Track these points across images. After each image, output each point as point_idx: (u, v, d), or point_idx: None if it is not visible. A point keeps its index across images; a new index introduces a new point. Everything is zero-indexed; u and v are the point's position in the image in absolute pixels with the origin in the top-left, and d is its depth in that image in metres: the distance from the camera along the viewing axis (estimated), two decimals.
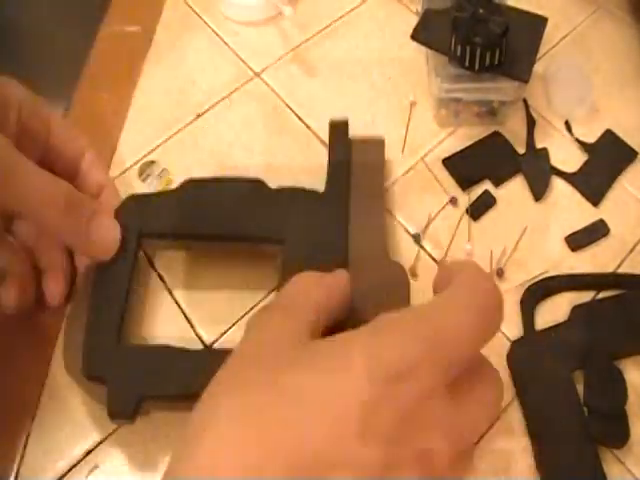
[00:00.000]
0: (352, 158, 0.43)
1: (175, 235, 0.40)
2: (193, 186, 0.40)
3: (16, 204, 0.33)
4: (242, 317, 0.40)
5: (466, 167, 0.46)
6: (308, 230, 0.39)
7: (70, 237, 0.36)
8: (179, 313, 0.40)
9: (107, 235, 0.37)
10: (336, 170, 0.42)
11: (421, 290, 0.41)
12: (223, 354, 0.27)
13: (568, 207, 0.44)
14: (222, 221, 0.39)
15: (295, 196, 0.40)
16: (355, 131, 0.46)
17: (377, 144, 0.45)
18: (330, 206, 0.40)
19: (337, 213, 0.40)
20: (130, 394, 0.34)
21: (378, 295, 0.35)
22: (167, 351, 0.36)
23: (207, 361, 0.34)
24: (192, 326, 0.40)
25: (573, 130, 0.47)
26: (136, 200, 0.40)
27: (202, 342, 0.39)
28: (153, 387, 0.35)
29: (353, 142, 0.44)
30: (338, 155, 0.43)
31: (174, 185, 0.43)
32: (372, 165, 0.43)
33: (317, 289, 0.31)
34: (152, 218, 0.39)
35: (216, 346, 0.39)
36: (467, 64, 0.44)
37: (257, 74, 0.52)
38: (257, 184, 0.41)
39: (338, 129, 0.45)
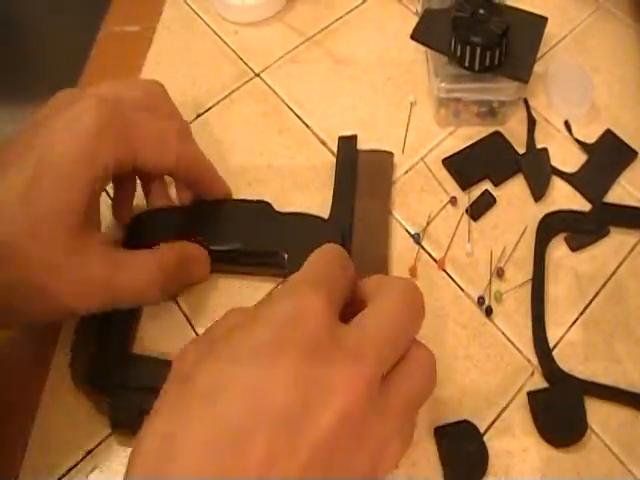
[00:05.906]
0: (360, 174, 0.44)
1: None
2: (202, 205, 0.42)
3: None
4: None
5: (466, 167, 0.46)
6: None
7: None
8: (180, 314, 0.40)
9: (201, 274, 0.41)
10: (342, 194, 0.43)
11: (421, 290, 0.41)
12: None
13: (568, 207, 0.44)
14: (228, 240, 0.40)
15: (299, 221, 0.41)
16: (354, 131, 0.46)
17: (385, 163, 0.45)
18: (333, 234, 0.40)
19: (340, 242, 0.40)
20: (133, 407, 0.35)
21: None
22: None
23: None
24: (193, 328, 0.40)
25: (573, 130, 0.47)
26: (147, 216, 0.41)
27: None
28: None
29: (361, 159, 0.44)
30: (346, 176, 0.44)
31: (173, 185, 0.43)
32: (379, 187, 0.44)
33: (346, 270, 0.31)
34: (161, 234, 0.40)
35: None
36: (467, 64, 0.44)
37: (257, 74, 0.52)
38: (263, 206, 0.41)
39: (346, 147, 0.45)
